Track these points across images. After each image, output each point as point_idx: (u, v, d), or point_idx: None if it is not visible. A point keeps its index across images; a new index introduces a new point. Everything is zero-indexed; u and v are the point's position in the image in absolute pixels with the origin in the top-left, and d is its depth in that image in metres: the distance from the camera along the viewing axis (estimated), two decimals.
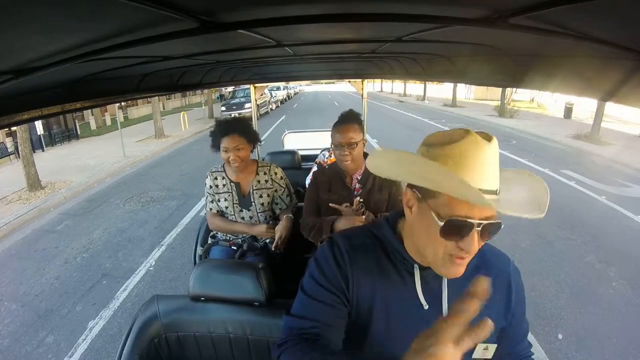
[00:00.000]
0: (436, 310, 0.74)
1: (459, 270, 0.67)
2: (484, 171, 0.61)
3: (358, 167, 1.70)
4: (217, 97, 24.42)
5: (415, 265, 0.74)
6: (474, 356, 0.75)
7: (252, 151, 1.98)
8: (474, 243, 0.62)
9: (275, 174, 2.00)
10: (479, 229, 0.62)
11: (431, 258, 0.68)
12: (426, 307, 0.74)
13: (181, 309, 1.24)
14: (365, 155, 1.75)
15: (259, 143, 2.03)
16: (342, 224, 1.57)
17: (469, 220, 0.60)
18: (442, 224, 0.61)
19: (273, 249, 1.87)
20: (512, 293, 0.78)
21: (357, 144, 1.62)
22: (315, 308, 0.77)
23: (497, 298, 0.75)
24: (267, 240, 1.95)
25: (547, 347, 2.52)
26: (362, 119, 1.72)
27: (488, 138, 0.62)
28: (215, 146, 1.90)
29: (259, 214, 1.95)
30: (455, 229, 0.61)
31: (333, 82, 33.33)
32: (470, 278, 0.72)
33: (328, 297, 0.77)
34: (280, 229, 1.86)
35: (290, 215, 1.97)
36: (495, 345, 0.77)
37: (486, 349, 0.76)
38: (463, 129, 0.64)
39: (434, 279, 0.75)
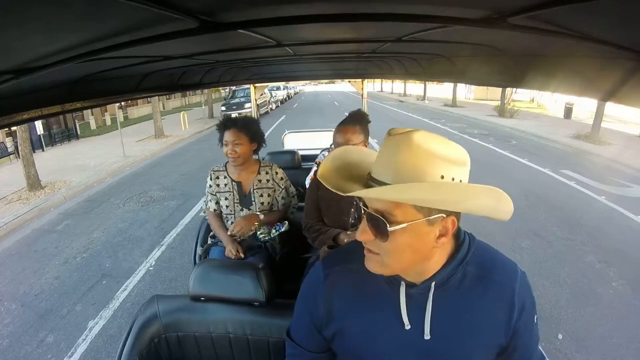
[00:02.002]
0: (418, 331, 0.71)
1: (369, 264, 0.69)
2: (378, 161, 0.65)
3: None
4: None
5: (402, 282, 0.72)
6: None
7: (255, 151, 1.98)
8: (363, 233, 0.66)
9: (276, 174, 2.00)
10: (365, 215, 0.66)
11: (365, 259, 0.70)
12: (408, 327, 0.71)
13: (181, 309, 1.24)
14: None
15: (263, 144, 2.02)
16: (346, 237, 1.56)
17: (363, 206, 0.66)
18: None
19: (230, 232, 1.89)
20: (515, 311, 0.71)
21: (357, 145, 1.61)
22: (304, 338, 0.84)
23: (495, 313, 0.71)
24: (267, 240, 1.95)
25: (547, 347, 2.52)
26: (369, 120, 1.70)
27: (402, 132, 0.63)
28: (220, 140, 1.92)
29: (259, 214, 1.95)
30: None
31: (333, 82, 33.39)
32: (466, 292, 0.71)
33: (308, 331, 0.83)
34: (240, 222, 1.87)
35: (278, 215, 1.99)
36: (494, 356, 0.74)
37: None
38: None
39: (420, 295, 0.72)
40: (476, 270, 0.72)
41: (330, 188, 0.66)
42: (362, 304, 0.76)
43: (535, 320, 0.76)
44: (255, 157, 2.03)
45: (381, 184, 0.63)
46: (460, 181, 0.62)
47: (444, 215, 0.63)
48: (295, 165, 3.09)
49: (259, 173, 1.97)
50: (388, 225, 0.61)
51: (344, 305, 0.77)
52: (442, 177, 0.60)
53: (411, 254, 0.66)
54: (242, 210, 1.96)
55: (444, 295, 0.71)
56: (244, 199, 1.95)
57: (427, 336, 0.71)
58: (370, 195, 0.62)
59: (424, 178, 0.60)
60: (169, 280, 3.58)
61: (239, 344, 1.21)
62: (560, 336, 2.64)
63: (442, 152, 0.61)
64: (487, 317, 0.72)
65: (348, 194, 0.63)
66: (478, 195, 0.62)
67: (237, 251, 1.83)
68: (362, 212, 0.68)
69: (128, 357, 1.14)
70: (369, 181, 0.66)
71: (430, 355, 0.72)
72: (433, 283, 0.70)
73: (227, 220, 2.00)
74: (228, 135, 1.85)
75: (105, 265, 3.96)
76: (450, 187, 0.61)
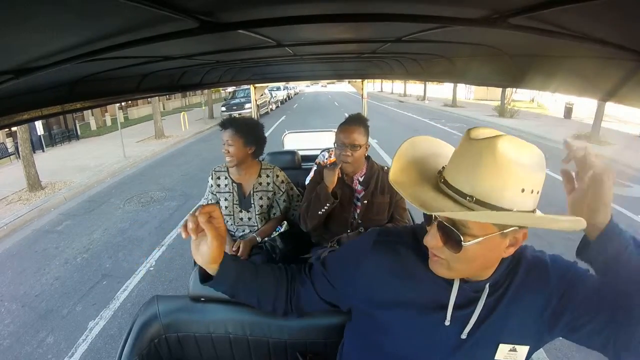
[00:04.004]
0: (456, 328, 0.71)
1: (434, 266, 0.68)
2: (456, 166, 0.62)
3: (356, 169, 1.71)
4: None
5: (457, 279, 0.71)
6: (497, 357, 0.72)
7: (255, 155, 1.95)
8: (431, 239, 0.65)
9: (277, 177, 1.99)
10: (436, 222, 0.64)
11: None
12: (448, 323, 0.71)
13: (181, 310, 1.24)
14: (367, 158, 1.75)
15: (263, 150, 2.00)
16: (327, 174, 1.62)
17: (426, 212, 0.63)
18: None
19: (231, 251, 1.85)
20: (552, 304, 0.70)
21: (359, 147, 1.63)
22: (319, 277, 0.88)
23: (530, 297, 0.70)
24: (267, 240, 1.95)
25: (547, 347, 2.51)
26: (368, 124, 1.72)
27: (487, 135, 0.61)
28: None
29: (257, 216, 1.95)
30: (425, 219, 0.65)
31: (333, 82, 33.32)
32: (510, 296, 0.70)
33: (322, 277, 0.86)
34: (243, 244, 1.83)
35: (275, 223, 1.98)
36: (527, 348, 0.72)
37: (514, 350, 0.72)
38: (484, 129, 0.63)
39: (472, 295, 0.71)
40: (521, 274, 0.72)
41: (410, 201, 0.63)
42: (404, 284, 0.75)
43: (577, 268, 0.73)
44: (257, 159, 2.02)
45: (458, 192, 0.60)
46: (538, 192, 0.61)
47: (517, 228, 0.62)
48: (295, 165, 3.09)
49: (259, 176, 1.96)
50: (462, 240, 0.61)
51: (384, 278, 0.77)
52: (523, 190, 0.59)
53: (480, 263, 0.66)
54: (241, 212, 1.95)
55: (491, 299, 0.71)
56: (244, 201, 1.95)
57: (463, 335, 0.71)
58: (460, 217, 0.59)
59: (505, 191, 0.58)
60: (169, 281, 3.58)
61: (239, 345, 1.21)
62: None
63: (525, 161, 0.58)
64: (526, 319, 0.71)
65: (438, 214, 0.60)
66: (561, 223, 0.61)
67: (237, 250, 1.82)
68: (432, 217, 0.66)
69: (128, 358, 1.14)
70: (443, 185, 0.63)
71: (458, 355, 0.72)
72: (487, 284, 0.70)
73: (226, 222, 2.00)
74: (223, 135, 1.86)
75: (106, 266, 3.96)
76: (539, 218, 0.60)
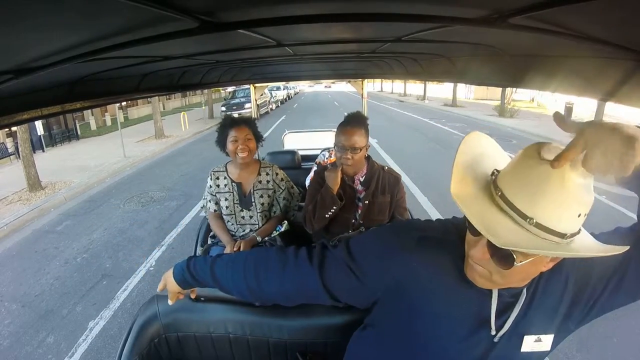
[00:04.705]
0: (491, 333, 0.70)
1: (474, 275, 0.67)
2: (517, 183, 0.59)
3: (357, 170, 1.70)
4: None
5: None
6: (523, 349, 0.72)
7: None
8: (478, 252, 0.63)
9: (277, 174, 2.00)
10: (485, 240, 0.62)
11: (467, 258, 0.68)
12: (494, 332, 0.70)
13: (181, 309, 1.24)
14: (368, 158, 1.74)
15: (260, 143, 2.04)
16: (329, 177, 1.62)
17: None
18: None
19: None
20: (569, 283, 0.71)
21: (360, 149, 1.60)
22: (339, 274, 0.80)
23: (550, 288, 0.71)
24: (267, 240, 1.95)
25: None
26: (368, 122, 1.70)
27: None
28: (221, 141, 1.91)
29: (259, 214, 1.95)
30: (471, 229, 0.62)
31: (333, 82, 33.12)
32: (537, 301, 0.70)
33: (345, 273, 0.79)
34: (244, 244, 1.82)
35: (275, 221, 1.98)
36: (552, 336, 0.73)
37: (539, 340, 0.72)
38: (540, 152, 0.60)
39: (509, 300, 0.70)
40: (544, 279, 0.72)
41: (476, 224, 0.58)
42: (447, 294, 0.73)
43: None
44: (255, 157, 2.03)
45: (518, 212, 0.58)
46: (586, 215, 0.60)
47: None
48: (295, 165, 3.09)
49: (259, 174, 1.97)
50: (515, 260, 0.59)
51: (425, 279, 0.73)
52: (579, 215, 0.58)
53: (522, 277, 0.66)
54: (242, 211, 1.95)
55: (526, 304, 0.71)
56: (244, 200, 1.95)
57: (496, 339, 0.71)
58: (533, 252, 0.57)
59: (564, 216, 0.57)
60: None
61: (239, 344, 1.21)
62: None
63: (586, 185, 0.58)
64: (547, 309, 0.72)
65: (509, 248, 0.57)
66: (609, 251, 0.60)
67: (238, 250, 1.82)
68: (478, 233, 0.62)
69: (128, 357, 1.14)
70: (500, 199, 0.60)
71: (490, 355, 0.72)
72: (524, 289, 0.70)
73: (227, 222, 2.00)
74: (238, 132, 1.84)
75: (106, 266, 3.96)
76: (604, 250, 0.61)
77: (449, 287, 0.72)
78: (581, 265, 0.72)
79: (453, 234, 0.75)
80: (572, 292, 0.71)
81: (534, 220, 0.57)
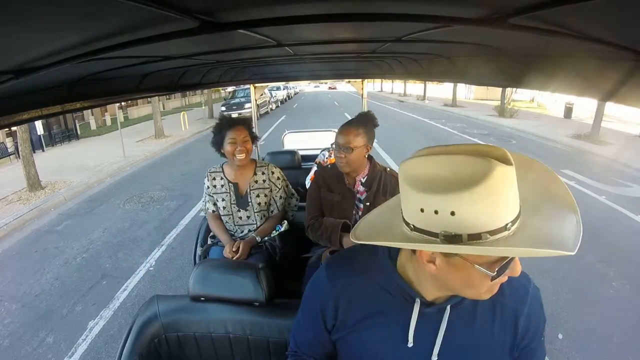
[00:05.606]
0: (424, 349, 0.72)
1: (487, 295, 0.67)
2: (509, 202, 0.57)
3: (356, 170, 1.67)
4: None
5: (417, 299, 0.71)
6: None
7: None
8: (518, 265, 0.62)
9: (272, 173, 1.99)
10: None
11: (471, 294, 0.66)
12: (410, 344, 0.72)
13: (181, 309, 1.24)
14: (370, 159, 1.73)
15: (256, 142, 2.05)
16: (349, 242, 1.54)
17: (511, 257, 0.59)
18: (494, 274, 0.58)
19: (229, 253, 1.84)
20: (518, 334, 0.73)
21: (352, 149, 1.58)
22: (304, 337, 0.86)
23: (502, 337, 0.72)
24: (267, 240, 1.95)
25: (547, 347, 2.49)
26: (377, 124, 1.68)
27: (503, 158, 0.56)
28: (217, 142, 1.90)
29: (256, 214, 1.95)
30: (504, 269, 0.60)
31: (338, 82, 32.84)
32: (477, 316, 0.71)
33: (311, 330, 0.83)
34: (243, 245, 1.83)
35: (274, 221, 1.98)
36: None
37: None
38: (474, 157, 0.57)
39: (434, 315, 0.71)
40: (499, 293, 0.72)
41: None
42: (370, 315, 0.75)
43: (542, 338, 0.77)
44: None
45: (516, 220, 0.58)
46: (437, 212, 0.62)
47: None
48: (295, 165, 3.09)
49: (255, 173, 1.97)
50: None
51: (352, 314, 0.77)
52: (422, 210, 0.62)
53: (460, 283, 0.65)
54: (239, 211, 1.95)
55: (456, 318, 0.71)
56: (241, 200, 1.95)
57: (434, 357, 0.71)
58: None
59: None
60: (169, 281, 3.58)
61: (239, 344, 1.21)
62: (560, 336, 2.64)
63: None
64: (495, 340, 0.72)
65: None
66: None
67: (237, 251, 1.82)
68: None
69: (128, 357, 1.14)
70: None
71: None
72: (449, 305, 0.71)
73: (226, 223, 2.00)
74: (236, 134, 1.83)
75: (106, 266, 3.96)
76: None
77: (371, 309, 0.76)
78: (528, 334, 0.74)
79: (363, 259, 0.80)
80: (516, 350, 0.74)
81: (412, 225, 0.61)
